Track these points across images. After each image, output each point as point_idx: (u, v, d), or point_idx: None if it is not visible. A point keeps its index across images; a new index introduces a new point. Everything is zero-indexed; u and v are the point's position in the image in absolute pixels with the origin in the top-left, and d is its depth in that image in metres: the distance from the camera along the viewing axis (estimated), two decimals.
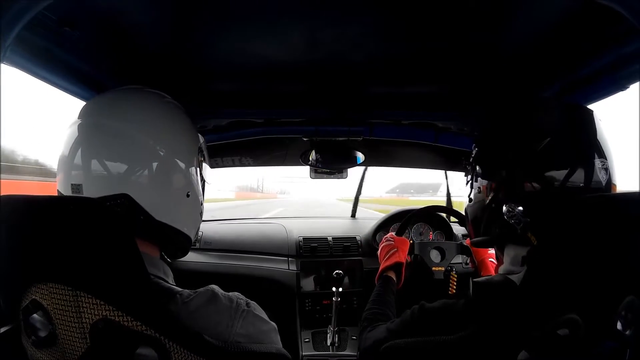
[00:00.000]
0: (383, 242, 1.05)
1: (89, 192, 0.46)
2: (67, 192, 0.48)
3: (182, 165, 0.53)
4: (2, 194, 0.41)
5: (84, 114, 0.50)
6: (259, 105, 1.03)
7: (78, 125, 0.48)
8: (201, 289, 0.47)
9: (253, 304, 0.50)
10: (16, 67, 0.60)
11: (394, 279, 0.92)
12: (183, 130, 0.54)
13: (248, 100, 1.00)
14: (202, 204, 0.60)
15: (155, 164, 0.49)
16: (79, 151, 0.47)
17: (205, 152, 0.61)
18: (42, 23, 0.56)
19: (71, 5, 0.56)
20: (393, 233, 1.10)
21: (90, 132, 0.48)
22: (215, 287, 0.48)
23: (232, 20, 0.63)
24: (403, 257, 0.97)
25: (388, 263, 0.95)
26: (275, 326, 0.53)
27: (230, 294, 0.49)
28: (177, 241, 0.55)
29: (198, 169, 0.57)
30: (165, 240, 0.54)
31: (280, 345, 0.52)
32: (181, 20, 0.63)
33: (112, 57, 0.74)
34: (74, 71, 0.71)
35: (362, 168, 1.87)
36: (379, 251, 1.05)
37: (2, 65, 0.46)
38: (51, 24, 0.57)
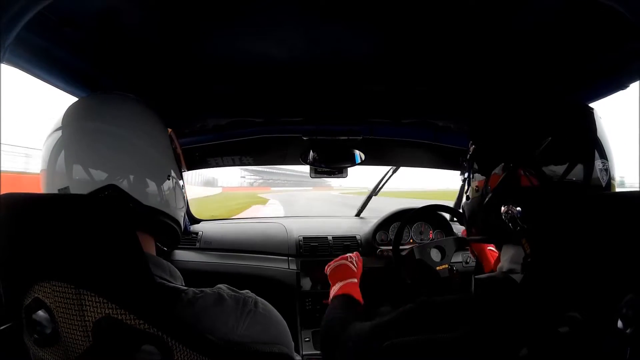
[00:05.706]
0: (331, 264, 0.95)
1: (76, 192, 0.47)
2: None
3: (158, 150, 0.55)
4: (3, 192, 0.41)
5: (63, 121, 0.51)
6: (258, 105, 1.02)
7: (60, 132, 0.49)
8: (208, 290, 0.46)
9: (262, 303, 0.50)
10: (16, 67, 0.60)
11: (356, 297, 0.82)
12: (154, 123, 0.57)
13: (248, 99, 1.00)
14: (183, 188, 0.62)
15: (133, 152, 0.51)
16: (61, 156, 0.48)
17: (176, 141, 0.63)
18: (42, 23, 0.56)
19: (71, 5, 0.56)
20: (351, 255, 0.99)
21: (70, 136, 0.49)
22: (223, 287, 0.48)
23: (231, 20, 0.63)
24: (357, 270, 0.91)
25: (343, 285, 0.85)
26: (286, 325, 0.52)
27: (238, 293, 0.48)
28: (168, 226, 0.55)
29: (173, 153, 0.59)
30: (157, 228, 0.55)
31: (290, 344, 0.52)
32: (181, 20, 0.63)
33: (112, 58, 0.74)
34: (74, 71, 0.71)
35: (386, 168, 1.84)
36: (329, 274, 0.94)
37: (2, 65, 0.46)
38: (51, 24, 0.57)
